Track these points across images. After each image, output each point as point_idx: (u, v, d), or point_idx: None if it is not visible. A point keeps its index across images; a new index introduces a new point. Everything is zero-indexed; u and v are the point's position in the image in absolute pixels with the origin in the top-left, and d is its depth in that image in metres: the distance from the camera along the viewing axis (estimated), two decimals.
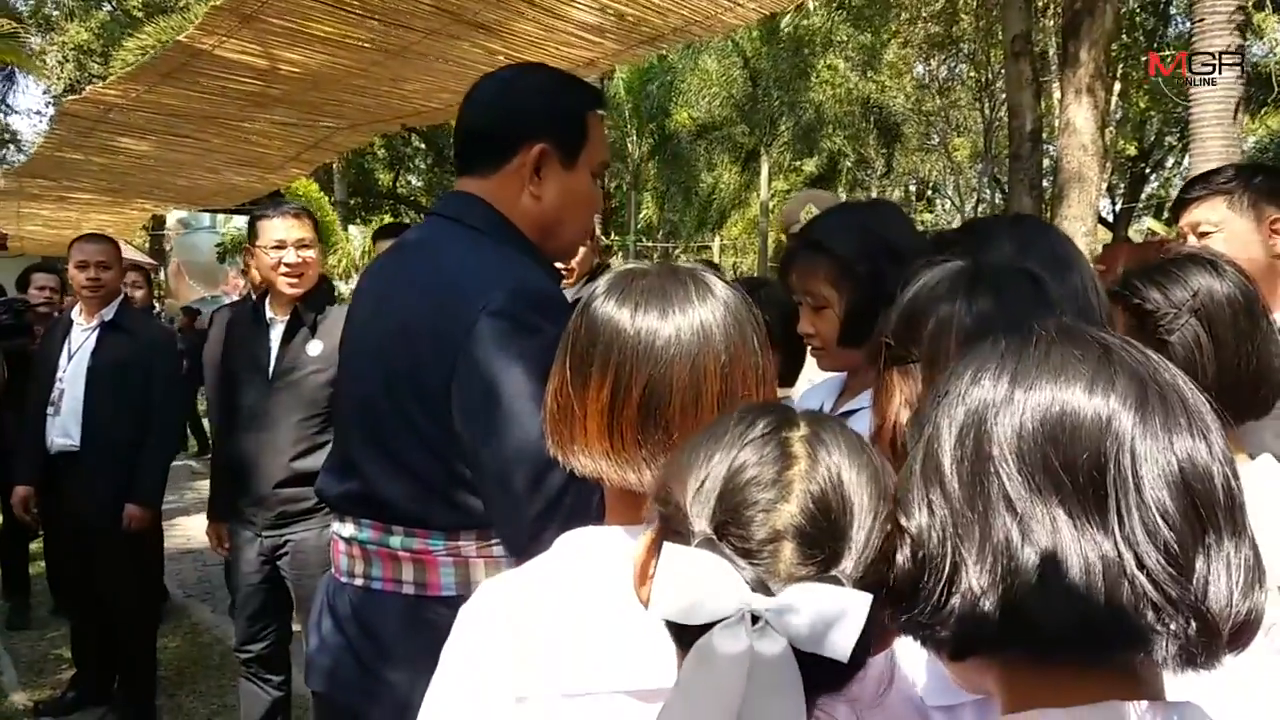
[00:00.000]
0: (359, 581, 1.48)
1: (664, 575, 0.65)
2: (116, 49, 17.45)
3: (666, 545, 0.66)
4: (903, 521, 0.68)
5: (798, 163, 19.33)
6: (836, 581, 0.64)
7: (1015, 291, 1.00)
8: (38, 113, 31.52)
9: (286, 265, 2.98)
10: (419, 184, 24.73)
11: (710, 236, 20.92)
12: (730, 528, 0.67)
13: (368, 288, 1.61)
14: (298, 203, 3.68)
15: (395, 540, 1.44)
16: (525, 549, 1.26)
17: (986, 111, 18.42)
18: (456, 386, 1.34)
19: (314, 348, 2.94)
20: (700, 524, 0.67)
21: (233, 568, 3.10)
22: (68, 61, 19.69)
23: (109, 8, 20.46)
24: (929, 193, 23.83)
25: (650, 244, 21.63)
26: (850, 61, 18.25)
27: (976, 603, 0.62)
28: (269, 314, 3.06)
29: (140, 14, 19.37)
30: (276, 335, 3.00)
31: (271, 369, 2.96)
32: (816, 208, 2.53)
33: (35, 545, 5.05)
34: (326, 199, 18.01)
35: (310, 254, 3.03)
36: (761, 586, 0.64)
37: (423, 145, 21.85)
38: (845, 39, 18.17)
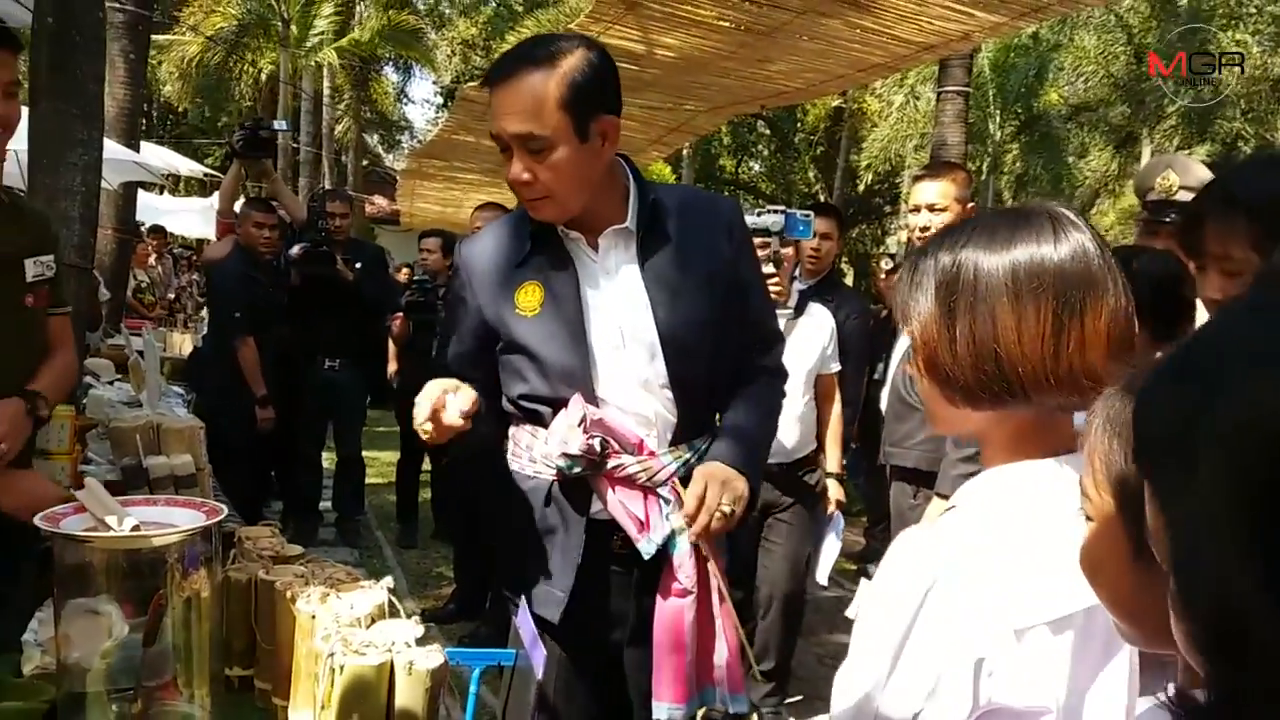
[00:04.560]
0: None
1: None
2: (498, 42, 19.27)
3: None
4: None
5: (1186, 150, 17.30)
6: None
7: None
8: (427, 101, 35.60)
9: None
10: (760, 170, 25.06)
11: None
12: None
13: None
14: None
15: None
16: None
17: None
18: None
19: None
20: None
21: None
22: (455, 55, 21.97)
23: (494, 3, 22.53)
24: None
25: None
26: (1259, 35, 16.00)
27: None
28: None
29: (521, 8, 21.25)
30: None
31: None
32: (1176, 173, 2.32)
33: (423, 478, 5.78)
34: (676, 182, 18.82)
35: None
36: None
37: (767, 131, 22.09)
38: (1255, 10, 15.95)
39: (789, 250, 3.11)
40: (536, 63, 1.57)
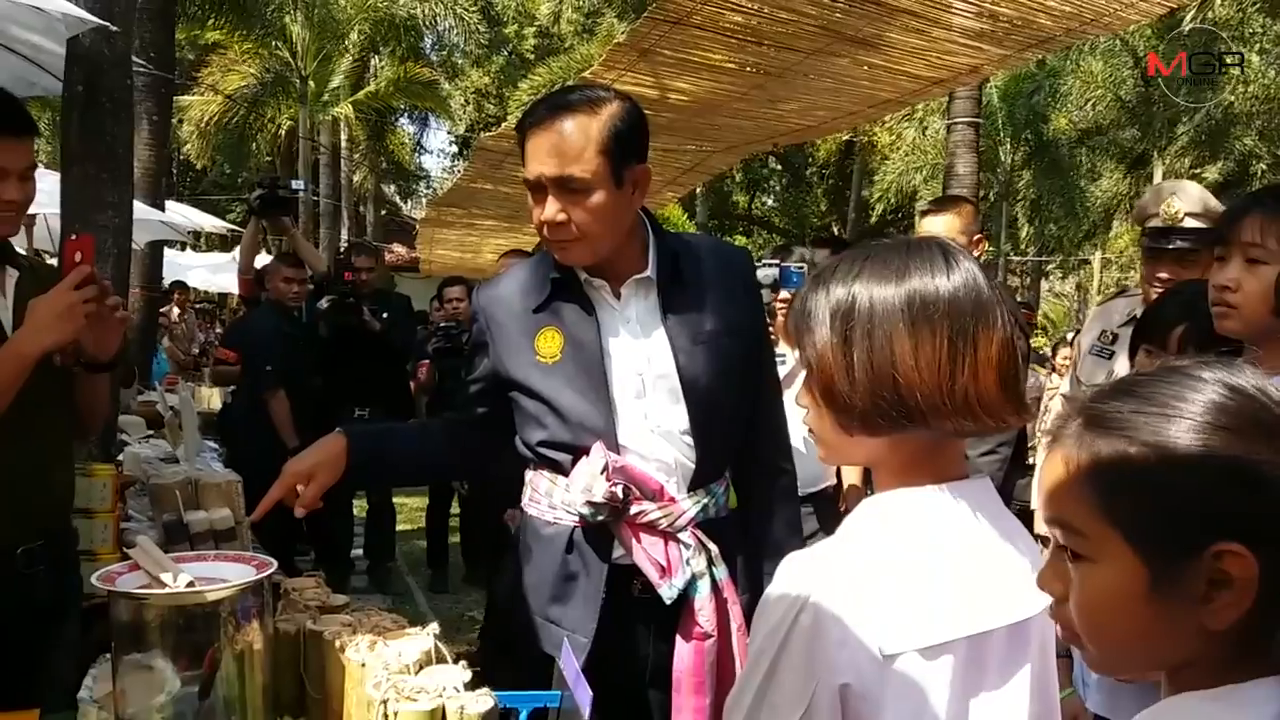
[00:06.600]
0: None
1: None
2: (510, 90, 19.55)
3: None
4: None
5: (1198, 169, 17.27)
6: None
7: None
8: (442, 151, 36.12)
9: None
10: (773, 205, 25.22)
11: (1090, 250, 19.21)
12: None
13: None
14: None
15: None
16: None
17: None
18: None
19: None
20: None
21: None
22: (468, 104, 22.27)
23: (505, 53, 22.90)
24: None
25: (1019, 258, 20.40)
26: (1266, 56, 16.05)
27: None
28: None
29: (532, 56, 21.58)
30: None
31: None
32: (1180, 200, 2.42)
33: (452, 523, 5.80)
34: (689, 221, 18.97)
35: None
36: None
37: (779, 167, 22.26)
38: (1260, 30, 16.01)
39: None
40: (577, 108, 1.61)
